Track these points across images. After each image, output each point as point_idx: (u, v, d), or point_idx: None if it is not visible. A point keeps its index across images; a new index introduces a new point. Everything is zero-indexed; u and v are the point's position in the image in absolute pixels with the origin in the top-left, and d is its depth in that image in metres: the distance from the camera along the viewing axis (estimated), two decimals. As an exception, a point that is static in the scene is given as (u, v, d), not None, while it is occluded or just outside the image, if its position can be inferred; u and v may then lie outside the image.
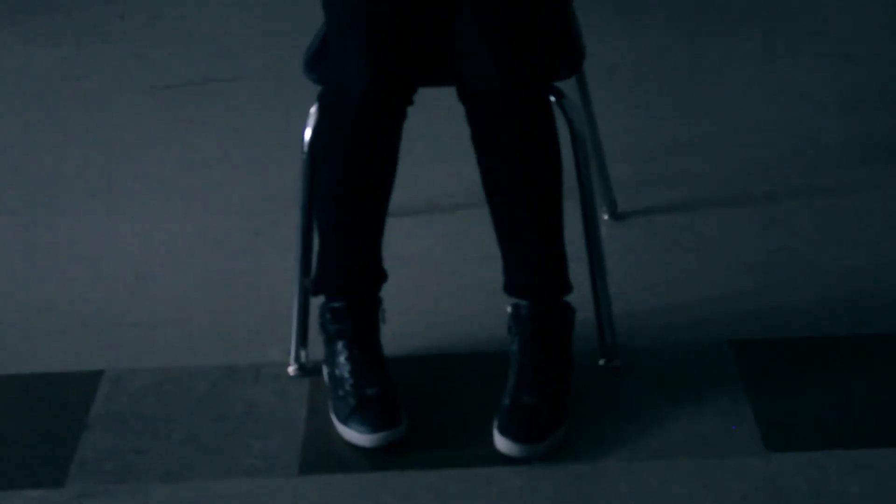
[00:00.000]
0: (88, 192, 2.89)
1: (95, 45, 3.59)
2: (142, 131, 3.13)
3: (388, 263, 2.23)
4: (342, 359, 2.15)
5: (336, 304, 2.18)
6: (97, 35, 3.65)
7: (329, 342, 2.18)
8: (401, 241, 2.48)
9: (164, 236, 2.72)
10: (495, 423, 2.09)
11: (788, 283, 2.50)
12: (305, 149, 2.19)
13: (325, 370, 2.20)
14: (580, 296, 2.22)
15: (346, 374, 2.13)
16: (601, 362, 2.28)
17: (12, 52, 3.57)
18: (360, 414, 2.10)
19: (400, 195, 2.20)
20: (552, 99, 2.11)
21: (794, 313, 2.41)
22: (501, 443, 2.08)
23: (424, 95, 2.11)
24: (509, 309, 2.18)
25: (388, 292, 2.23)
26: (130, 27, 3.69)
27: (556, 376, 2.14)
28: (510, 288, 2.18)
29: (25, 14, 3.79)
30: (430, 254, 2.62)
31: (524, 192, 2.11)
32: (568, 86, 2.26)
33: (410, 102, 2.07)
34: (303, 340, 2.29)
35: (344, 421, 2.11)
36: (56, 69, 3.45)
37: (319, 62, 2.17)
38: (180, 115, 3.20)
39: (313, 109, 2.15)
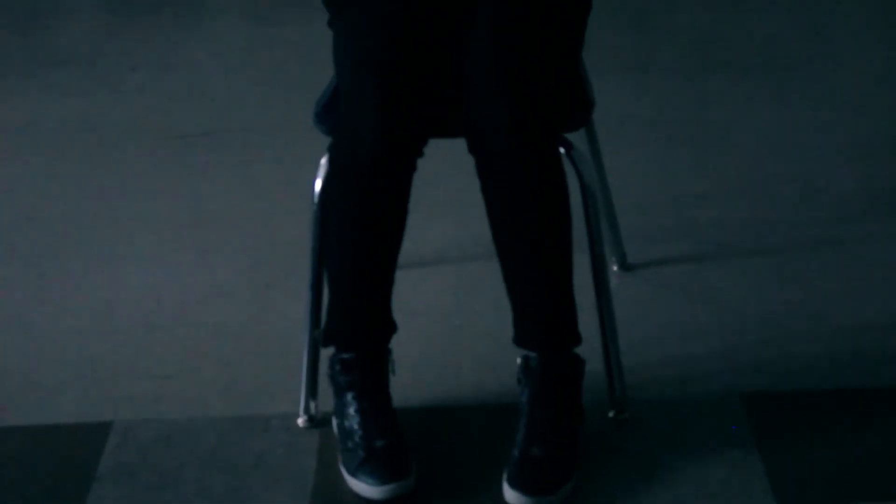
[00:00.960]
0: (100, 241, 2.90)
1: (108, 96, 3.62)
2: (153, 182, 3.14)
3: (398, 315, 2.23)
4: (351, 410, 2.14)
5: (346, 356, 2.17)
6: (110, 86, 3.67)
7: (339, 394, 2.18)
8: (410, 293, 2.48)
9: (175, 287, 2.72)
10: (504, 475, 2.09)
11: (799, 336, 2.49)
12: (316, 200, 2.20)
13: (334, 422, 2.20)
14: (589, 347, 2.21)
15: (356, 426, 2.13)
16: (611, 414, 2.27)
17: (27, 102, 3.59)
18: (369, 466, 2.09)
19: (409, 246, 2.20)
20: (562, 150, 2.12)
21: (804, 366, 2.41)
22: (511, 495, 2.07)
23: (434, 146, 2.11)
24: (519, 360, 2.17)
25: (397, 343, 2.23)
26: (143, 79, 3.71)
27: (566, 428, 2.13)
28: (520, 339, 2.18)
29: (40, 65, 3.82)
30: (440, 305, 2.62)
31: (534, 243, 2.11)
32: (577, 137, 2.26)
33: (420, 154, 2.08)
34: (312, 392, 2.29)
35: (353, 473, 2.11)
36: (69, 120, 3.48)
37: (330, 114, 2.18)
38: (192, 166, 3.21)
39: (324, 161, 2.16)
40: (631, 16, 4.00)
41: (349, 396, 2.16)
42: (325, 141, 2.15)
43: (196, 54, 3.87)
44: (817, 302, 2.59)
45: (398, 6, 2.16)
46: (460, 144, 2.10)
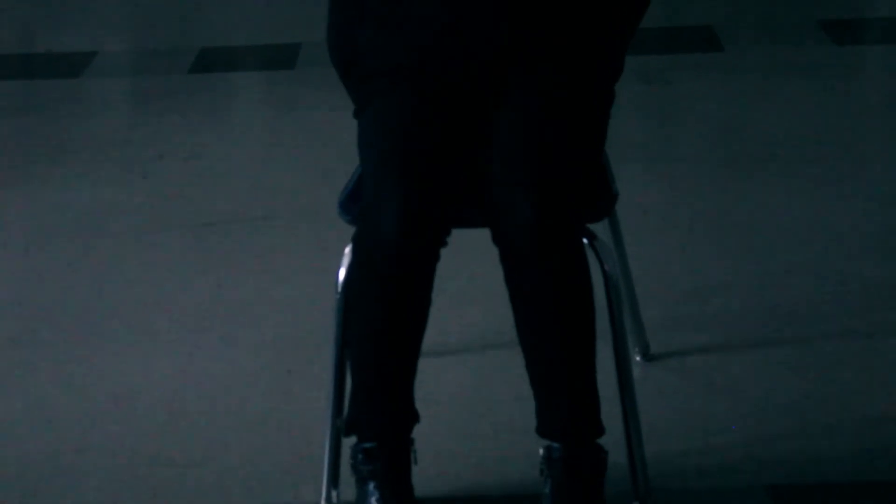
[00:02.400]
0: (124, 328, 2.91)
1: (134, 183, 3.65)
2: (178, 268, 3.16)
3: (420, 404, 2.22)
4: (373, 500, 2.13)
5: (368, 445, 2.17)
6: (136, 174, 3.71)
7: (360, 483, 2.17)
8: (432, 382, 2.48)
9: (198, 373, 2.73)
10: (527, 567, 2.07)
11: (824, 427, 2.48)
12: (339, 289, 2.20)
13: (356, 511, 2.19)
14: (612, 438, 2.20)
15: (378, 516, 2.12)
16: (634, 506, 2.26)
17: (54, 189, 3.63)
18: (391, 555, 2.08)
19: (432, 335, 2.20)
20: (585, 241, 2.13)
21: (830, 458, 2.39)
22: (533, 587, 2.05)
23: (457, 235, 2.12)
24: (541, 451, 2.16)
25: (419, 433, 2.22)
26: (168, 166, 3.75)
27: (589, 520, 2.12)
28: (542, 430, 2.17)
29: (67, 153, 3.86)
30: (462, 395, 2.62)
31: (557, 334, 2.11)
32: (600, 227, 2.27)
33: (444, 244, 2.09)
34: (334, 480, 2.28)
35: (375, 562, 2.09)
36: (96, 207, 3.51)
37: (354, 203, 2.20)
38: (216, 253, 3.23)
39: (348, 250, 2.17)
40: (653, 106, 4.03)
41: (371, 486, 2.15)
42: (350, 230, 2.16)
43: (222, 142, 3.91)
44: (841, 394, 2.58)
45: (423, 99, 2.18)
46: (483, 233, 2.11)
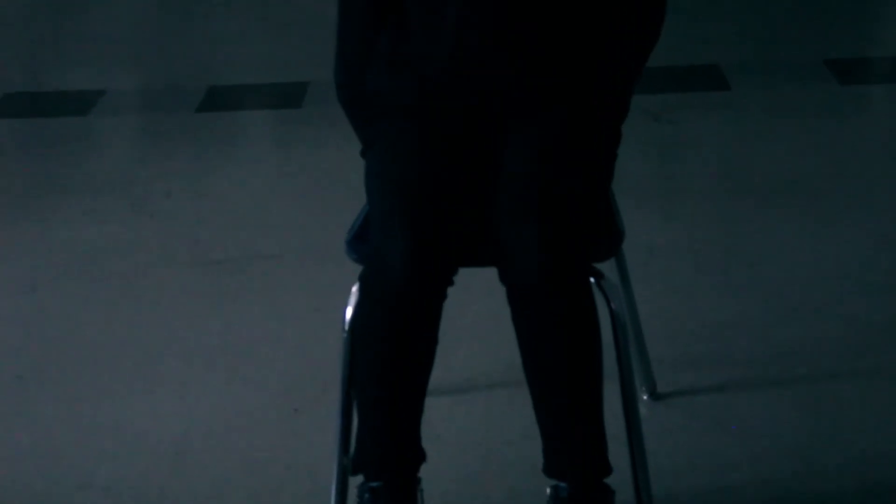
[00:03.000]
0: (131, 367, 2.91)
1: (143, 221, 3.66)
2: (185, 307, 3.16)
3: (427, 443, 2.22)
4: (380, 539, 2.13)
5: (374, 484, 2.17)
6: (145, 212, 3.72)
7: (367, 522, 2.17)
8: (439, 421, 2.48)
9: (205, 413, 2.73)
10: None
11: (832, 468, 2.47)
12: (346, 328, 2.21)
13: (362, 550, 2.18)
14: (620, 477, 2.20)
15: (384, 556, 2.11)
16: (641, 545, 2.25)
17: (62, 227, 3.64)
18: None
19: (438, 374, 2.21)
20: (592, 280, 2.13)
21: (838, 498, 2.38)
22: None
23: (464, 274, 2.13)
24: (548, 490, 2.16)
25: (426, 472, 2.22)
26: (177, 204, 3.76)
27: (596, 560, 2.11)
28: (549, 469, 2.17)
29: (76, 191, 3.87)
30: (469, 434, 2.62)
31: (564, 373, 2.11)
32: (607, 266, 2.28)
33: (451, 283, 2.10)
34: (340, 520, 2.28)
35: None
36: (104, 245, 3.52)
37: (362, 242, 2.21)
38: (223, 292, 3.23)
39: (355, 289, 2.18)
40: (660, 144, 4.04)
41: (378, 525, 2.15)
42: (357, 268, 2.17)
43: (229, 180, 3.92)
44: (849, 433, 2.57)
45: (430, 138, 2.19)
46: (490, 271, 2.11)
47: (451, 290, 2.11)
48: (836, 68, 4.60)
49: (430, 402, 2.20)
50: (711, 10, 5.43)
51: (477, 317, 2.88)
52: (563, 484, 2.14)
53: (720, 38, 5.05)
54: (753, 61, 4.74)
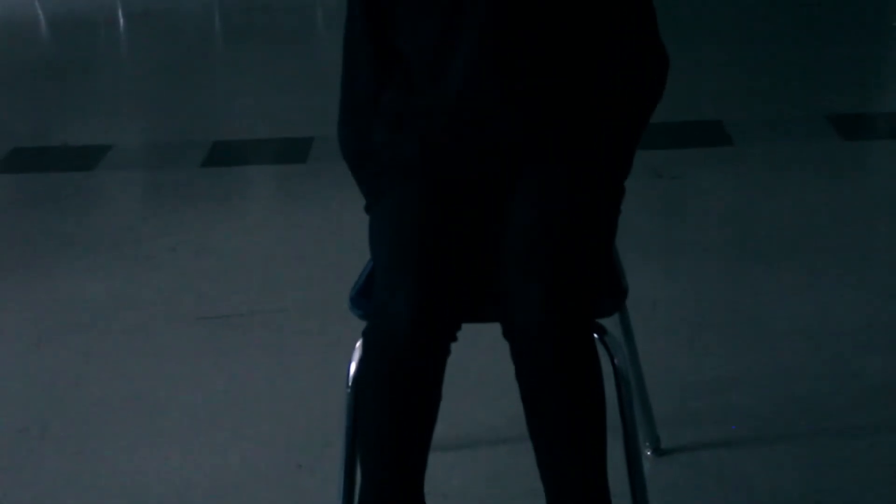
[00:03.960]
0: (135, 422, 2.91)
1: (147, 276, 3.67)
2: (189, 362, 3.17)
3: (430, 498, 2.22)
4: None
5: (378, 540, 2.16)
6: (149, 267, 3.73)
7: (370, 578, 2.16)
8: (443, 477, 2.47)
9: (208, 468, 2.73)
10: None
11: (835, 523, 2.47)
12: (350, 383, 2.21)
13: None
14: (623, 534, 2.20)
15: None
16: None
17: (68, 281, 3.65)
18: None
19: (442, 429, 2.21)
20: (595, 336, 2.14)
21: (841, 554, 2.38)
22: None
23: (468, 329, 2.13)
24: (552, 546, 2.16)
25: (429, 528, 2.22)
26: (181, 259, 3.77)
27: None
28: (553, 525, 2.17)
29: (81, 246, 3.89)
30: (472, 490, 2.61)
31: (568, 428, 2.11)
32: (610, 322, 2.28)
33: (454, 339, 2.10)
34: (343, 576, 2.27)
35: None
36: (109, 300, 3.53)
37: (365, 298, 2.21)
38: (228, 346, 3.24)
39: (358, 345, 2.18)
40: (664, 200, 4.05)
41: (381, 581, 2.14)
42: (361, 324, 2.17)
43: (234, 235, 3.94)
44: (852, 488, 2.57)
45: (434, 194, 2.21)
46: (494, 327, 2.12)
47: (454, 346, 2.11)
48: (838, 124, 4.63)
49: (433, 458, 2.20)
50: (713, 67, 5.46)
51: (480, 372, 2.88)
52: (566, 540, 2.14)
53: (723, 94, 5.08)
54: (756, 117, 4.77)
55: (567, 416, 2.10)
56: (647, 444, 2.68)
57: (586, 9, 2.24)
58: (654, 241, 3.72)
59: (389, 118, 2.32)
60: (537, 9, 2.22)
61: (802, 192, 4.06)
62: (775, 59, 5.57)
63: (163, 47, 6.35)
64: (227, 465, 2.73)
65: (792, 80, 5.25)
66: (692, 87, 5.04)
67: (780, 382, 2.96)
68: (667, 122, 4.52)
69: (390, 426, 2.13)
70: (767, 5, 6.59)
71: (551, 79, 2.24)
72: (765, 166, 4.31)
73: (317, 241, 3.84)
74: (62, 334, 3.35)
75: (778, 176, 4.21)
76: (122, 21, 7.02)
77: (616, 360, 2.20)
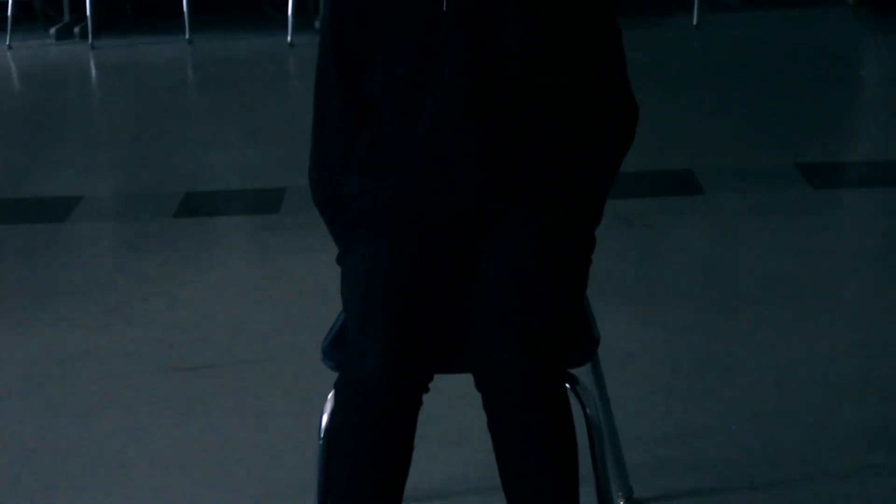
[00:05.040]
0: (104, 474, 2.89)
1: (118, 326, 3.66)
2: (160, 413, 3.15)
3: (403, 550, 2.21)
4: None
5: (350, 593, 2.15)
6: (120, 317, 3.72)
7: None
8: (416, 528, 2.46)
9: (179, 520, 2.71)
10: None
11: (808, 572, 2.47)
12: (322, 435, 2.21)
13: None
14: (597, 585, 2.19)
15: None
16: None
17: (38, 333, 3.63)
18: None
19: (414, 480, 2.20)
20: (567, 385, 2.14)
21: None
22: None
23: (440, 379, 2.13)
24: None
25: (402, 580, 2.21)
26: (153, 309, 3.76)
27: None
28: (526, 576, 2.16)
29: (52, 297, 3.87)
30: (446, 540, 2.61)
31: (540, 478, 2.11)
32: (583, 371, 2.28)
33: (426, 390, 2.10)
34: None
35: None
36: (80, 351, 3.51)
37: (337, 349, 2.21)
38: (199, 398, 3.23)
39: (330, 396, 2.18)
40: (635, 249, 4.07)
41: None
42: (333, 375, 2.17)
43: (205, 286, 3.93)
44: (826, 538, 2.57)
45: (406, 245, 2.21)
46: (466, 377, 2.12)
47: (426, 396, 2.11)
48: (808, 173, 4.66)
49: (405, 509, 2.19)
50: (684, 116, 5.50)
51: (453, 423, 2.88)
52: (539, 591, 2.13)
53: (693, 143, 5.11)
54: (726, 166, 4.80)
55: (539, 467, 2.09)
56: (620, 493, 2.67)
57: (556, 58, 2.26)
58: (626, 290, 3.73)
59: (360, 169, 2.32)
60: (507, 58, 2.23)
61: (773, 240, 4.08)
62: (745, 108, 5.61)
63: (134, 98, 6.36)
64: (198, 518, 2.71)
65: (761, 129, 5.29)
66: (663, 137, 5.07)
67: (754, 431, 2.97)
68: (638, 171, 4.55)
69: (362, 477, 2.13)
70: (737, 55, 6.65)
71: (521, 128, 2.25)
72: (735, 215, 4.34)
73: (289, 292, 3.83)
74: (32, 387, 3.33)
75: (749, 225, 4.24)
76: (93, 72, 7.03)
77: (588, 410, 2.20)
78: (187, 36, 7.29)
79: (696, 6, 7.11)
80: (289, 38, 7.13)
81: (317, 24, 7.22)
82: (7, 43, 7.27)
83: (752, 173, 4.71)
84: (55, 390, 3.30)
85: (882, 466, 2.81)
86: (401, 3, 2.25)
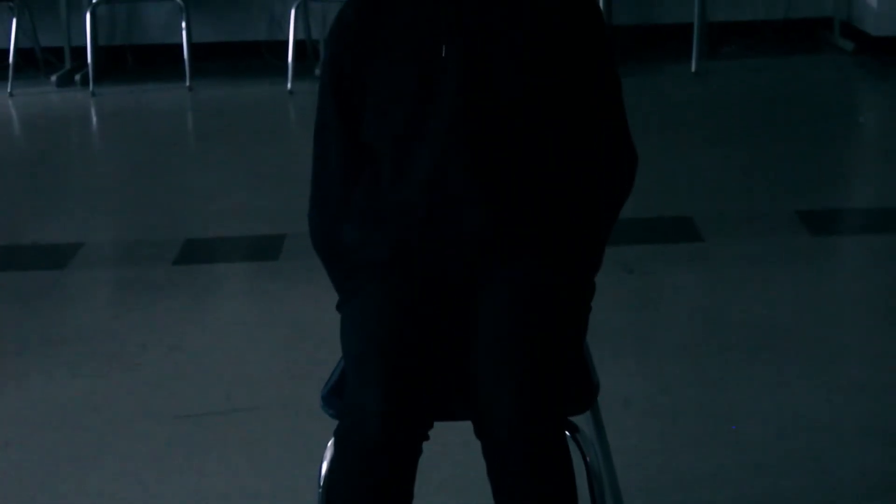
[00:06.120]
0: (104, 523, 2.89)
1: (118, 374, 3.65)
2: (160, 461, 3.14)
3: None
4: None
5: None
6: (120, 364, 3.71)
7: None
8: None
9: (178, 569, 2.70)
10: None
11: None
12: (321, 483, 2.20)
13: None
14: None
15: None
16: None
17: (38, 381, 3.63)
18: None
19: (415, 529, 2.19)
20: (566, 433, 2.14)
21: None
22: None
23: (440, 427, 2.13)
24: None
25: None
26: (153, 357, 3.75)
27: None
28: None
29: (52, 345, 3.87)
30: (446, 589, 2.60)
31: (540, 527, 2.10)
32: (582, 419, 2.28)
33: (426, 438, 2.10)
34: None
35: None
36: (80, 399, 3.50)
37: (337, 397, 2.21)
38: (199, 445, 3.22)
39: (330, 444, 2.17)
40: (634, 296, 4.07)
41: None
42: (333, 423, 2.17)
43: (205, 333, 3.93)
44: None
45: (405, 294, 2.22)
46: (465, 424, 2.11)
47: (426, 445, 2.11)
48: (807, 220, 4.67)
49: (405, 558, 2.18)
50: (683, 163, 5.51)
51: (452, 470, 2.87)
52: None
53: (692, 190, 5.12)
54: (726, 213, 4.80)
55: (539, 514, 2.09)
56: (621, 542, 2.66)
57: (555, 106, 2.27)
58: (626, 337, 3.72)
59: (359, 217, 2.33)
60: (504, 105, 2.24)
61: (772, 287, 4.09)
62: (744, 155, 5.62)
63: (135, 145, 6.37)
64: (197, 567, 2.70)
65: (761, 177, 5.30)
66: (662, 183, 5.08)
67: (755, 477, 2.96)
68: (637, 217, 4.55)
69: (362, 526, 2.12)
70: (736, 102, 6.67)
71: (519, 175, 2.25)
72: (735, 262, 4.34)
73: (289, 339, 3.83)
74: (31, 435, 3.32)
75: (748, 271, 4.24)
76: (94, 119, 7.05)
77: (588, 458, 2.20)
78: (188, 83, 7.32)
79: (694, 53, 7.13)
80: (289, 86, 7.15)
81: (316, 72, 7.25)
82: (8, 90, 7.30)
83: (752, 220, 4.71)
84: (54, 439, 3.29)
85: (884, 513, 2.80)
86: (399, 49, 2.26)
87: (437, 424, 2.11)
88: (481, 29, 2.23)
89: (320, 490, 2.20)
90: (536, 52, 2.25)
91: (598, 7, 2.32)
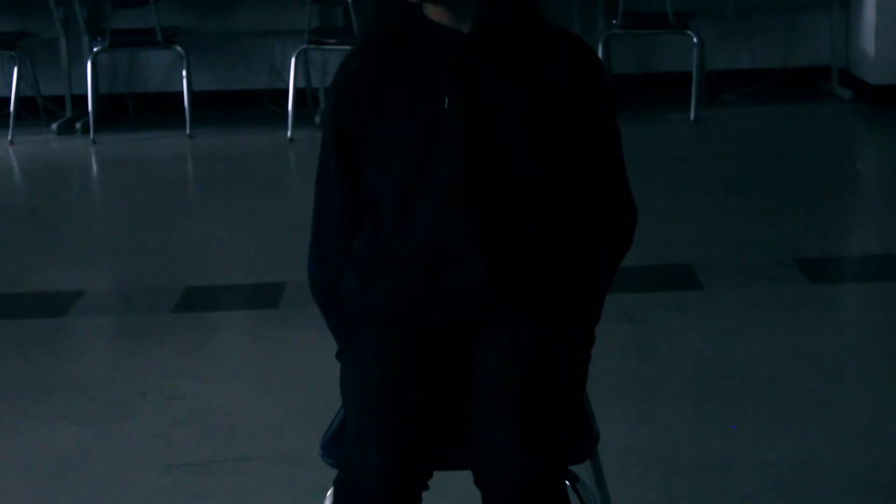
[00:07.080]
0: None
1: (115, 423, 3.64)
2: (158, 511, 3.13)
3: None
4: None
5: None
6: (118, 413, 3.70)
7: None
8: None
9: None
10: None
11: None
12: (321, 532, 2.19)
13: None
14: None
15: None
16: None
17: (37, 428, 3.62)
18: None
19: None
20: (567, 483, 2.13)
21: None
22: None
23: (439, 476, 2.12)
24: None
25: None
26: (150, 406, 3.74)
27: None
28: None
29: (51, 392, 3.86)
30: None
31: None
32: (582, 468, 2.27)
33: (426, 487, 2.09)
34: None
35: None
36: (77, 447, 3.49)
37: (337, 446, 2.20)
38: (197, 494, 3.20)
39: (329, 493, 2.17)
40: (634, 344, 4.06)
41: None
42: (332, 472, 2.16)
43: (205, 381, 3.92)
44: None
45: (404, 343, 2.22)
46: (465, 474, 2.11)
47: (425, 494, 2.10)
48: (806, 268, 4.67)
49: None
50: (682, 211, 5.52)
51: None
52: None
53: (691, 239, 5.13)
54: (725, 261, 4.81)
55: (539, 565, 2.08)
56: (622, 592, 2.65)
57: (555, 158, 2.27)
58: (625, 385, 3.72)
59: (359, 267, 2.33)
60: (506, 157, 2.25)
61: (771, 335, 4.08)
62: (742, 202, 5.63)
63: (135, 193, 6.38)
64: None
65: (759, 224, 5.31)
66: (661, 231, 5.08)
67: (754, 528, 2.95)
68: (637, 266, 4.55)
69: (361, 577, 2.11)
70: (734, 150, 6.69)
71: (519, 227, 2.26)
72: (734, 310, 4.34)
73: (288, 387, 3.82)
74: (30, 482, 3.30)
75: (747, 319, 4.24)
76: (94, 167, 7.07)
77: (588, 508, 2.19)
78: (188, 131, 7.34)
79: (693, 101, 7.16)
80: (289, 134, 7.17)
81: (317, 120, 7.27)
82: (9, 138, 7.32)
83: (751, 268, 4.71)
84: (53, 486, 3.28)
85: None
86: (402, 100, 2.27)
87: (436, 473, 2.11)
88: (483, 81, 2.24)
89: (319, 540, 2.20)
90: (538, 105, 2.25)
91: (600, 61, 2.33)
